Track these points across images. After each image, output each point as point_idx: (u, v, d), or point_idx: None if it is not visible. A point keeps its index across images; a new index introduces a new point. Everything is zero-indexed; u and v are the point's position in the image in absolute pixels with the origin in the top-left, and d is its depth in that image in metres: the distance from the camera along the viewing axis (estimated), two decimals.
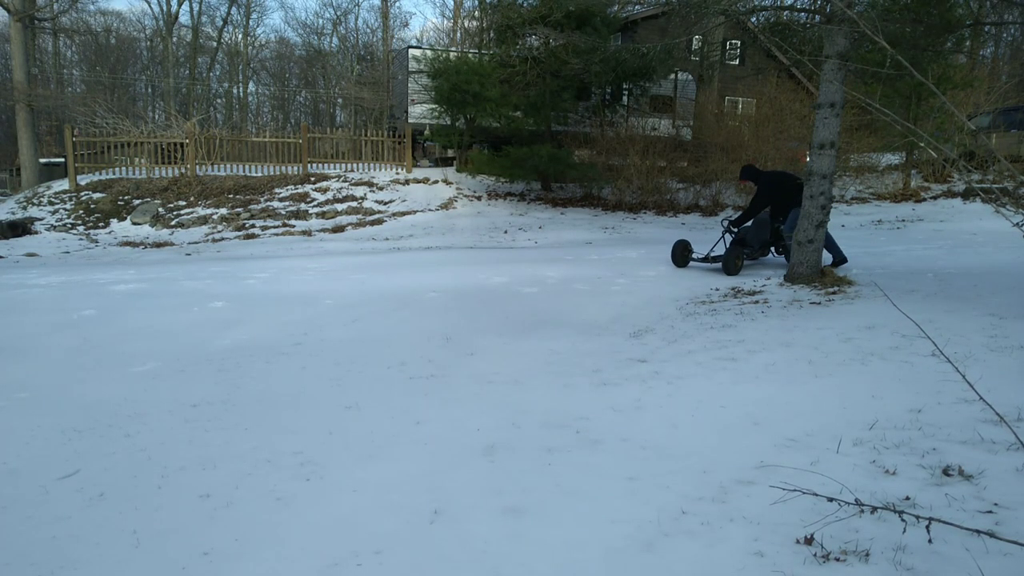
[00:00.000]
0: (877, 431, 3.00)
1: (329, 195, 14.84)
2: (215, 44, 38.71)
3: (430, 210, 14.57)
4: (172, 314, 5.95)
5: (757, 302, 5.98)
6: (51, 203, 14.20)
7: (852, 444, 2.89)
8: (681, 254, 7.99)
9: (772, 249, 8.18)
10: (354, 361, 4.59)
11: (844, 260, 7.37)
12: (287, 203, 14.40)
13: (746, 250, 7.85)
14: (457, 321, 5.70)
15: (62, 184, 15.11)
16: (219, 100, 39.72)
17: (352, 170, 16.34)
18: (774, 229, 7.97)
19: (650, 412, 3.48)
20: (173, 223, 13.55)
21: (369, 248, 11.58)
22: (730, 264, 7.34)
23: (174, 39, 36.39)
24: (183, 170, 15.38)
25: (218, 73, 39.96)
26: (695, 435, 3.15)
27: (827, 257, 7.18)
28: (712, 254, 7.85)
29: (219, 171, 15.71)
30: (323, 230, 13.38)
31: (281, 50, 40.62)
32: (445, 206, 14.75)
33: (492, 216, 14.26)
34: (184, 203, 14.18)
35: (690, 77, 17.90)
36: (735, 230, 7.99)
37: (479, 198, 15.41)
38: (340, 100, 36.42)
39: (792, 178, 7.99)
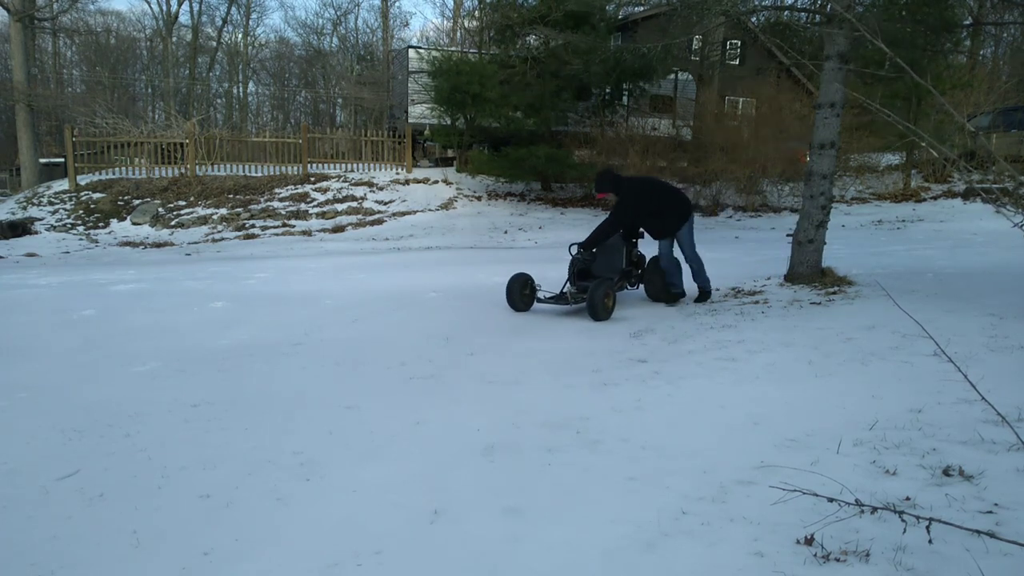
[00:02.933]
0: (877, 431, 3.00)
1: (329, 195, 14.84)
2: (215, 44, 38.70)
3: (430, 210, 14.57)
4: (172, 314, 5.95)
5: (757, 302, 5.98)
6: (51, 203, 14.19)
7: (852, 444, 2.89)
8: (520, 294, 5.96)
9: (628, 282, 6.41)
10: (354, 361, 4.58)
11: (681, 295, 6.24)
12: (287, 203, 14.40)
13: (581, 285, 6.04)
14: (457, 321, 5.70)
15: (62, 184, 15.11)
16: (219, 100, 39.71)
17: (352, 170, 16.34)
18: (629, 255, 6.35)
19: (650, 412, 3.48)
20: (173, 223, 13.55)
21: (369, 248, 11.59)
22: (598, 306, 5.50)
23: (174, 39, 36.38)
24: (183, 170, 15.38)
25: (218, 73, 39.96)
26: (695, 435, 3.15)
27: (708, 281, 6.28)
28: (566, 291, 6.01)
29: (219, 171, 15.71)
30: (323, 230, 13.39)
31: (281, 50, 40.62)
32: (445, 206, 14.75)
33: (492, 216, 14.27)
34: (184, 203, 14.18)
35: (690, 77, 17.91)
36: (587, 258, 6.22)
37: (479, 198, 15.42)
38: (340, 100, 36.42)
39: (668, 188, 6.42)
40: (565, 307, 5.99)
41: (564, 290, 6.01)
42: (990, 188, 11.63)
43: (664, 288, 6.25)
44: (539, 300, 6.06)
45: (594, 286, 5.57)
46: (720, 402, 3.54)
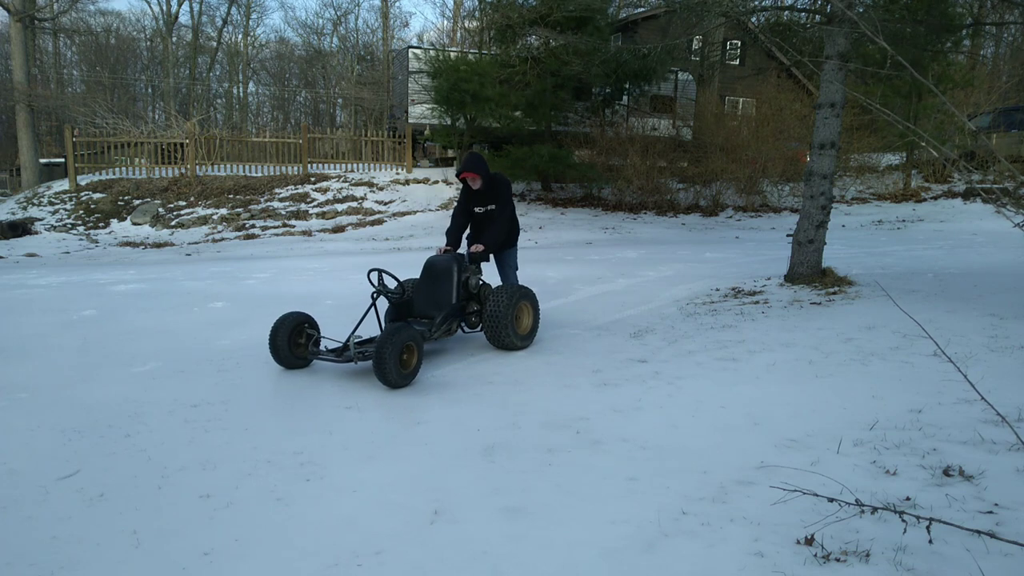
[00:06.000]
0: (877, 431, 3.00)
1: (329, 195, 14.84)
2: (215, 44, 38.70)
3: (430, 210, 14.57)
4: (172, 314, 5.94)
5: (757, 302, 5.98)
6: (51, 203, 14.19)
7: (852, 444, 2.89)
8: (289, 344, 4.30)
9: (462, 322, 4.88)
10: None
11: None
12: (287, 203, 14.39)
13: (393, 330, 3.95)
14: None
15: (62, 184, 15.11)
16: (219, 100, 39.70)
17: (352, 170, 16.34)
18: (465, 284, 4.80)
19: (650, 412, 3.48)
20: (173, 223, 13.54)
21: (369, 248, 11.58)
22: (387, 367, 3.81)
23: (174, 39, 36.39)
24: (183, 170, 15.38)
25: (218, 73, 39.94)
26: (695, 435, 3.15)
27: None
28: (356, 339, 4.25)
29: (219, 171, 15.70)
30: (323, 230, 13.38)
31: (281, 50, 40.61)
32: (445, 206, 14.74)
33: None
34: (184, 203, 14.17)
35: (690, 77, 17.91)
36: (391, 292, 4.59)
37: None
38: (340, 100, 36.42)
39: (492, 181, 5.00)
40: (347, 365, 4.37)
41: (350, 339, 4.22)
42: (990, 188, 11.64)
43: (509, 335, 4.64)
44: (321, 355, 4.27)
45: (382, 337, 3.83)
46: (720, 402, 3.54)
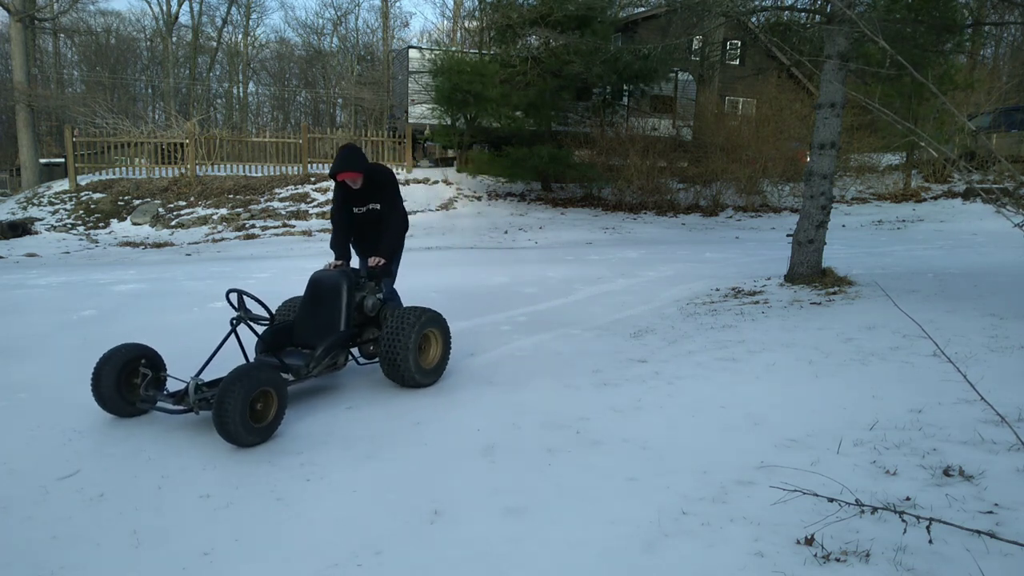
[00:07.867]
0: (877, 431, 3.00)
1: (329, 195, 14.84)
2: (215, 44, 38.70)
3: (430, 210, 14.56)
4: (172, 314, 5.94)
5: (757, 302, 5.98)
6: (51, 203, 14.19)
7: (852, 444, 2.89)
8: (119, 384, 3.43)
9: (353, 352, 4.14)
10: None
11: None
12: (287, 203, 14.39)
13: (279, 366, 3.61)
14: (458, 321, 5.69)
15: (62, 184, 15.11)
16: (219, 100, 39.70)
17: None
18: (359, 304, 4.00)
19: (650, 412, 3.48)
20: (173, 223, 13.54)
21: None
22: (228, 423, 2.99)
23: (174, 39, 36.40)
24: (183, 170, 15.38)
25: (218, 73, 39.94)
26: (695, 435, 3.15)
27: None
28: (201, 382, 3.40)
29: (219, 171, 15.70)
30: (323, 230, 13.37)
31: (281, 50, 40.62)
32: (445, 206, 14.74)
33: (492, 216, 14.25)
34: (184, 203, 14.17)
35: (690, 77, 17.91)
36: (258, 319, 3.77)
37: (479, 198, 15.41)
38: (340, 100, 36.43)
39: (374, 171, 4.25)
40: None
41: (194, 384, 3.36)
42: (990, 188, 11.64)
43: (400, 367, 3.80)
44: (160, 403, 3.41)
45: (227, 381, 3.07)
46: (720, 402, 3.54)
